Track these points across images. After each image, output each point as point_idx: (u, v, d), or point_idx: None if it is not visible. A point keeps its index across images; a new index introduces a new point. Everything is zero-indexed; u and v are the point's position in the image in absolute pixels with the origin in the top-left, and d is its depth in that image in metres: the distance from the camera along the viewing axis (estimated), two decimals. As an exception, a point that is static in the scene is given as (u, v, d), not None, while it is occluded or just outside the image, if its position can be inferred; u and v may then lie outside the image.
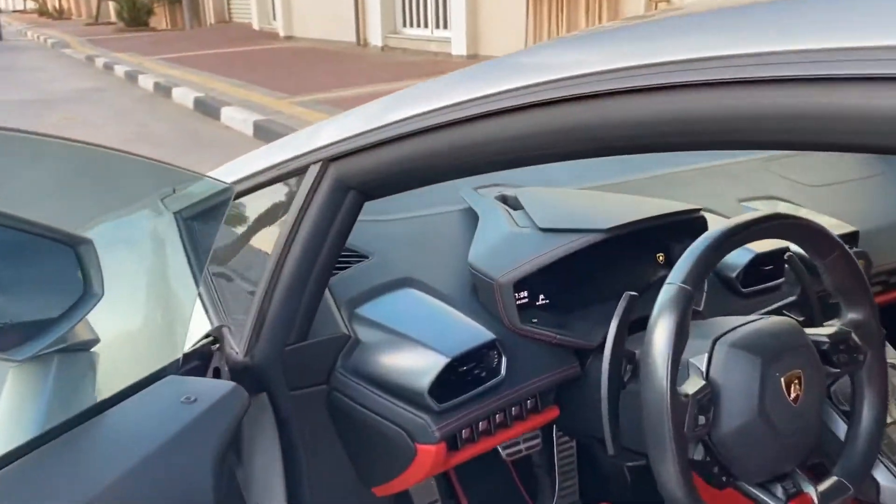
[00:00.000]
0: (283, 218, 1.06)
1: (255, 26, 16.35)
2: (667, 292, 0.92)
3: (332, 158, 0.98)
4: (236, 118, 7.01)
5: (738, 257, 1.34)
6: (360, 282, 1.19)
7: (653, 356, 0.90)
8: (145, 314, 1.01)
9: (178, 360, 0.98)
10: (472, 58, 9.62)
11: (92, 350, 0.94)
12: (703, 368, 0.97)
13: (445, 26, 10.47)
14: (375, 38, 11.62)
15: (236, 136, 6.75)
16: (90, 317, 0.90)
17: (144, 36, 16.22)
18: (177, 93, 8.61)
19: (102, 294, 0.89)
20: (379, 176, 0.95)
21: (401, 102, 0.92)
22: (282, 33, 14.35)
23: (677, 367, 0.91)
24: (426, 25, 10.97)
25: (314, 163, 1.01)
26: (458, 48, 9.87)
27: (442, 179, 0.96)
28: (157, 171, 0.99)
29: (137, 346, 0.99)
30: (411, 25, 11.28)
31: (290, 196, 1.07)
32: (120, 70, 11.03)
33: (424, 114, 0.84)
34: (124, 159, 0.95)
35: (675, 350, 0.90)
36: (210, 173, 1.39)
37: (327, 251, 1.02)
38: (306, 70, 9.85)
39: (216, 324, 1.12)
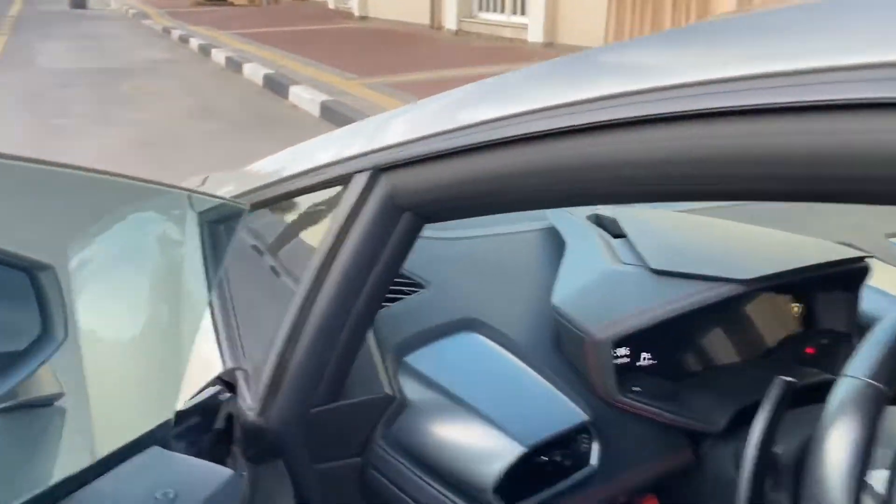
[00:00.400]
0: (318, 239, 0.82)
1: (331, 5, 16.26)
2: (848, 388, 0.65)
3: (383, 168, 0.74)
4: (304, 97, 6.85)
5: None
6: (412, 320, 0.95)
7: (824, 477, 0.63)
8: (133, 356, 0.78)
9: (168, 421, 0.75)
10: (549, 45, 9.27)
11: (53, 405, 0.72)
12: (883, 491, 0.69)
13: (522, 12, 10.13)
14: (450, 21, 11.35)
15: (302, 116, 6.59)
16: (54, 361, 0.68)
17: (222, 10, 16.30)
18: (247, 68, 8.52)
19: (65, 337, 0.66)
20: (444, 196, 0.70)
21: (475, 99, 0.67)
22: (356, 13, 14.21)
23: (858, 496, 0.63)
24: (502, 10, 10.64)
25: (360, 171, 0.76)
26: (535, 35, 9.52)
27: (530, 207, 0.70)
28: (162, 195, 0.76)
29: (119, 400, 0.76)
30: (487, 10, 10.96)
31: (329, 212, 0.82)
32: (194, 43, 11.05)
33: (508, 118, 0.59)
34: (123, 185, 0.72)
35: (859, 473, 0.63)
36: (239, 170, 1.16)
37: (372, 287, 0.78)
38: (378, 51, 9.65)
39: (230, 365, 0.89)
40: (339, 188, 0.82)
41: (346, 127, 0.90)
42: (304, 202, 0.90)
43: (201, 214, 0.73)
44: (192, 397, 0.82)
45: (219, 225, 0.73)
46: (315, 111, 6.53)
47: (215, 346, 0.91)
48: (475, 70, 7.85)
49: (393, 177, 0.73)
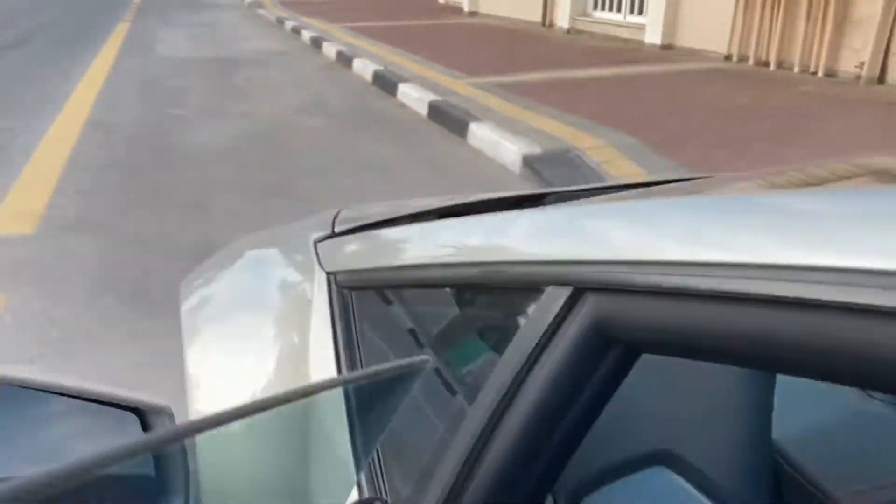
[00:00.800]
0: (494, 359, 0.64)
1: (440, 0, 16.21)
2: None
3: (592, 287, 0.56)
4: (411, 96, 6.76)
5: None
6: (589, 447, 0.76)
7: None
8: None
9: None
10: (667, 48, 8.86)
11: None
12: None
13: (640, 11, 9.73)
14: (562, 19, 11.05)
15: (410, 116, 6.50)
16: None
17: (333, 2, 16.49)
18: (357, 64, 8.51)
19: (186, 499, 0.52)
20: (670, 338, 0.53)
21: (713, 222, 0.51)
22: (466, 9, 14.07)
23: None
24: (619, 10, 10.25)
25: (556, 285, 0.59)
26: (653, 37, 9.11)
27: (783, 373, 0.53)
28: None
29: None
30: (602, 9, 10.59)
31: (505, 324, 0.65)
32: (306, 35, 11.17)
33: (761, 268, 0.45)
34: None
35: None
36: (369, 214, 1.00)
37: (567, 432, 0.60)
38: (486, 49, 9.48)
39: (367, 494, 0.73)
40: (520, 296, 0.64)
41: (517, 213, 0.72)
42: (468, 301, 0.72)
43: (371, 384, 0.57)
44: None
45: (390, 386, 0.57)
46: (423, 111, 6.42)
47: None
48: (588, 72, 7.56)
49: (602, 302, 0.55)
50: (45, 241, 3.68)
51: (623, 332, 0.55)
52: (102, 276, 3.28)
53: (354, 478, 0.60)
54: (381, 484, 0.74)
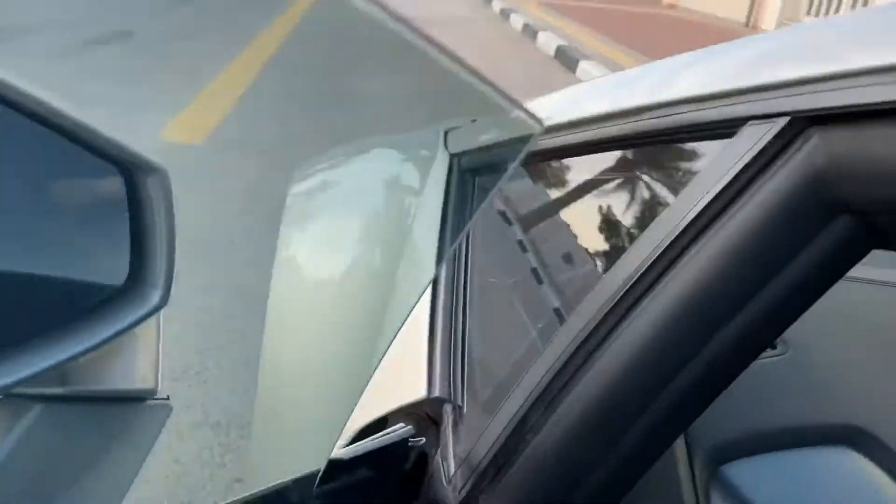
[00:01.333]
0: (644, 222, 0.46)
1: (639, -12, 15.59)
2: None
3: (818, 116, 0.37)
4: (592, 74, 6.48)
5: None
6: (749, 406, 0.55)
7: None
8: (298, 341, 0.48)
9: (315, 473, 0.44)
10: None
11: (139, 403, 0.43)
12: None
13: (860, 22, 8.83)
14: (769, 21, 10.26)
15: (586, 93, 6.24)
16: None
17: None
18: (541, 38, 8.31)
19: (161, 302, 0.37)
20: None
21: None
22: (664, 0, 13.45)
23: None
24: (835, 17, 9.37)
25: (760, 118, 0.40)
26: (869, 50, 8.25)
27: None
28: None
29: (273, 430, 0.47)
30: (816, 14, 9.72)
31: (677, 179, 0.46)
32: (497, 5, 11.07)
33: None
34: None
35: None
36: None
37: (737, 335, 0.42)
38: (680, 41, 8.97)
39: (437, 393, 0.57)
40: (699, 144, 0.45)
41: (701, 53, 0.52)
42: (615, 161, 0.54)
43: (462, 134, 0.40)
44: (366, 435, 0.50)
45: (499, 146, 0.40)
46: (600, 90, 6.14)
47: (424, 357, 0.59)
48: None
49: (836, 140, 0.35)
50: (211, 154, 3.83)
51: (863, 192, 0.35)
52: (254, 190, 3.34)
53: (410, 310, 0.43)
54: (459, 382, 0.57)
